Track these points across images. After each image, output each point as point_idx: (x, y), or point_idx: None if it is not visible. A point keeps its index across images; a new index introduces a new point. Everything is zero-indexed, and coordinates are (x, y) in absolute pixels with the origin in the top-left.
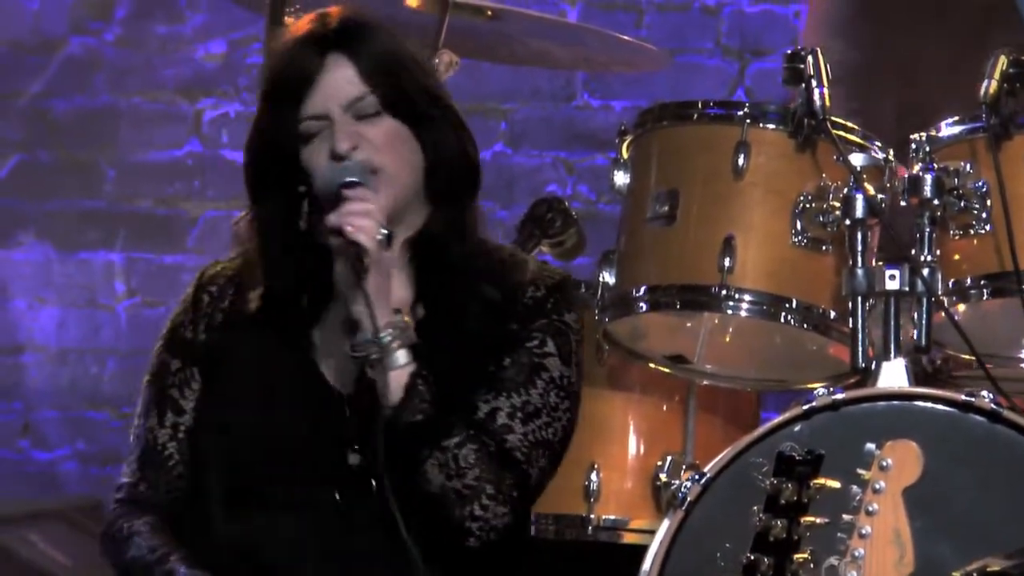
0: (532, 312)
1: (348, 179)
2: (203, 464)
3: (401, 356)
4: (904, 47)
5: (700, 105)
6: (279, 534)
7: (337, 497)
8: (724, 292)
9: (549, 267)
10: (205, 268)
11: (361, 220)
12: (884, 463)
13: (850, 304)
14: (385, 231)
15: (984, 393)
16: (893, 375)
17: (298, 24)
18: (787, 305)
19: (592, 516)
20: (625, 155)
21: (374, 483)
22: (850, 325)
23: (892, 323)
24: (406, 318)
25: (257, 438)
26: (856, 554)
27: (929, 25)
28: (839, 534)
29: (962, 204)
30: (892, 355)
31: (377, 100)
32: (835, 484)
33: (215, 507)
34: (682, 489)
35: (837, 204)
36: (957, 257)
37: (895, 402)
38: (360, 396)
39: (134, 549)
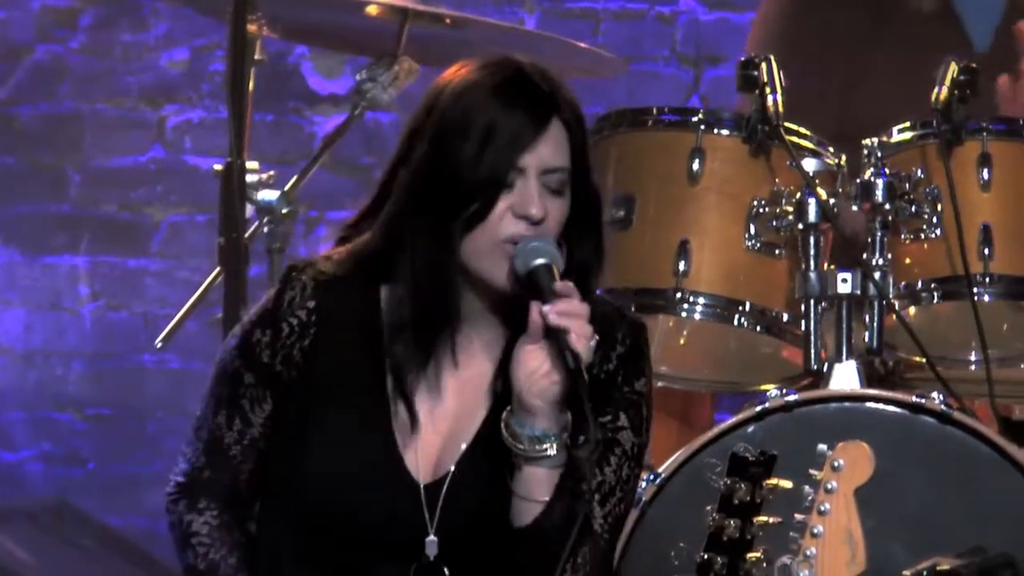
0: (604, 387)
1: (543, 260)
2: (277, 512)
3: (560, 457)
4: (846, 57)
5: (656, 112)
6: None
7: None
8: (679, 295)
9: (625, 322)
10: (290, 277)
11: (582, 326)
12: (836, 463)
13: (803, 307)
14: (595, 340)
15: (935, 395)
16: (845, 377)
17: (496, 66)
18: (741, 308)
19: None
20: None
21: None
22: (803, 328)
23: (844, 326)
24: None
25: (332, 514)
26: (808, 553)
27: (870, 35)
28: (792, 533)
29: (913, 209)
30: (844, 357)
31: (567, 179)
32: (788, 484)
33: (283, 560)
34: (638, 489)
35: (790, 209)
36: (908, 261)
37: (847, 404)
38: (437, 486)
39: (190, 556)
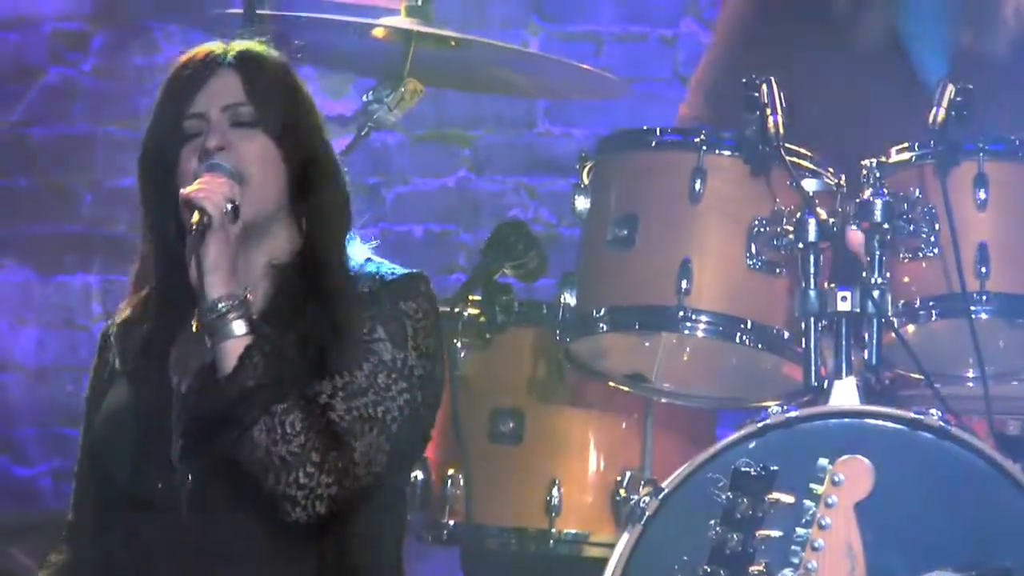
0: (363, 303)
1: (212, 162)
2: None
3: (238, 327)
4: (808, 70)
5: (658, 132)
6: (127, 535)
7: (159, 487)
8: (681, 313)
9: (402, 269)
10: (112, 315)
11: (210, 191)
12: (836, 478)
13: (803, 325)
14: (233, 203)
15: (933, 411)
16: (845, 393)
17: (196, 48)
18: (742, 326)
19: (553, 530)
20: (585, 180)
21: (190, 477)
22: (803, 345)
23: (844, 343)
24: (249, 295)
25: (107, 444)
26: (809, 566)
27: (822, 63)
28: (793, 547)
29: (911, 228)
30: (844, 374)
31: (253, 111)
32: (789, 499)
33: (85, 519)
34: (641, 504)
35: (790, 228)
36: (906, 279)
37: (847, 419)
38: (188, 393)
39: None
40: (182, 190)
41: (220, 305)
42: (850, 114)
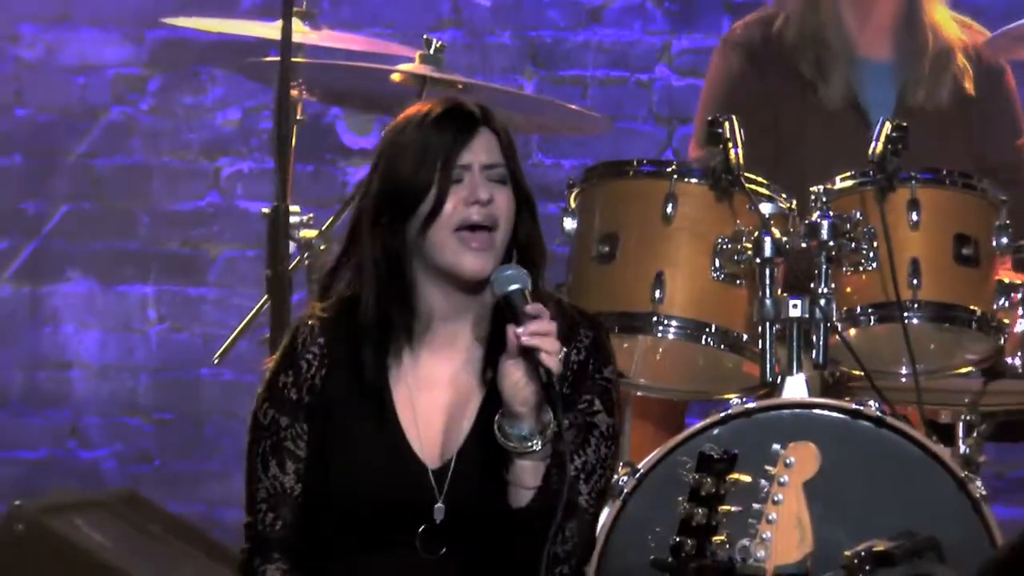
0: (578, 376)
1: (516, 286)
2: (315, 516)
3: (543, 452)
4: (790, 123)
5: (635, 163)
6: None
7: (418, 546)
8: (655, 318)
9: (585, 318)
10: (298, 328)
11: (550, 344)
12: (788, 461)
13: (760, 329)
14: (563, 352)
15: (871, 402)
16: (796, 387)
17: (434, 103)
18: (708, 329)
19: None
20: (573, 205)
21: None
22: (760, 346)
23: (795, 344)
24: (550, 424)
25: (354, 498)
26: (764, 536)
27: (798, 123)
28: (750, 520)
29: (853, 245)
30: (795, 371)
31: (507, 172)
32: (747, 478)
33: (324, 551)
34: (620, 482)
35: (750, 245)
36: (849, 289)
37: (797, 410)
38: (444, 469)
39: None
40: (523, 337)
41: (536, 434)
42: (819, 160)
